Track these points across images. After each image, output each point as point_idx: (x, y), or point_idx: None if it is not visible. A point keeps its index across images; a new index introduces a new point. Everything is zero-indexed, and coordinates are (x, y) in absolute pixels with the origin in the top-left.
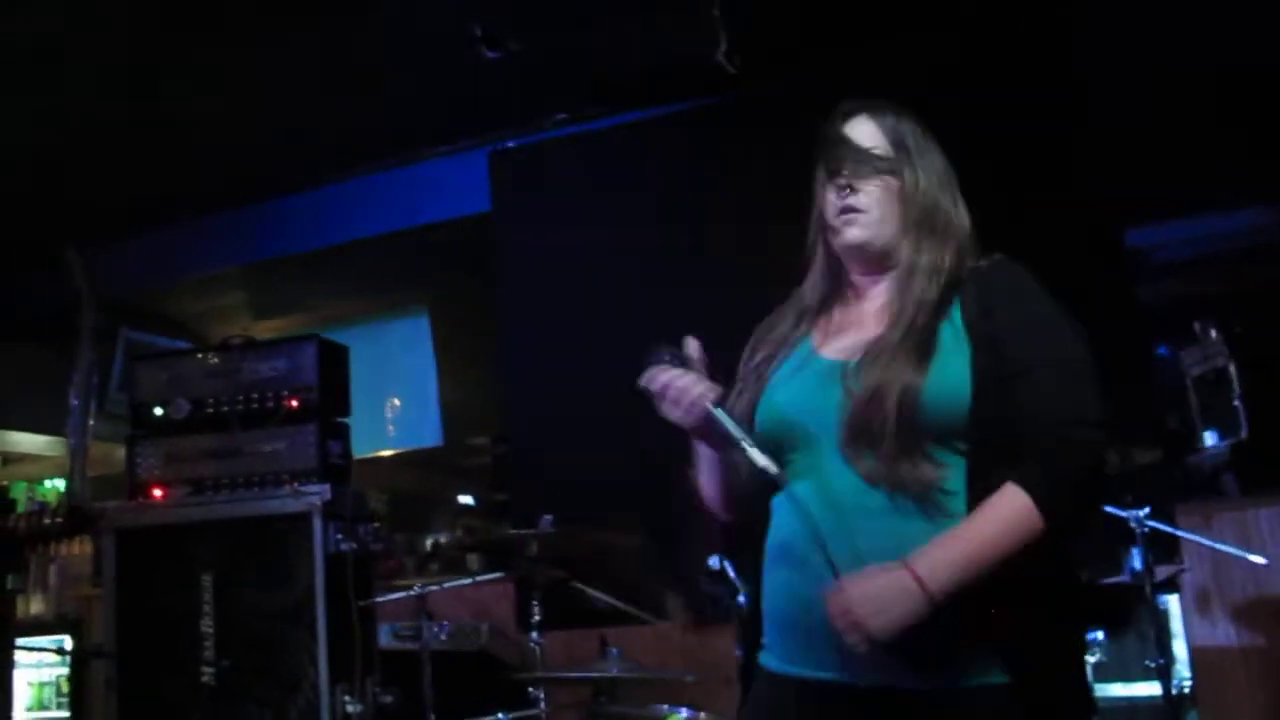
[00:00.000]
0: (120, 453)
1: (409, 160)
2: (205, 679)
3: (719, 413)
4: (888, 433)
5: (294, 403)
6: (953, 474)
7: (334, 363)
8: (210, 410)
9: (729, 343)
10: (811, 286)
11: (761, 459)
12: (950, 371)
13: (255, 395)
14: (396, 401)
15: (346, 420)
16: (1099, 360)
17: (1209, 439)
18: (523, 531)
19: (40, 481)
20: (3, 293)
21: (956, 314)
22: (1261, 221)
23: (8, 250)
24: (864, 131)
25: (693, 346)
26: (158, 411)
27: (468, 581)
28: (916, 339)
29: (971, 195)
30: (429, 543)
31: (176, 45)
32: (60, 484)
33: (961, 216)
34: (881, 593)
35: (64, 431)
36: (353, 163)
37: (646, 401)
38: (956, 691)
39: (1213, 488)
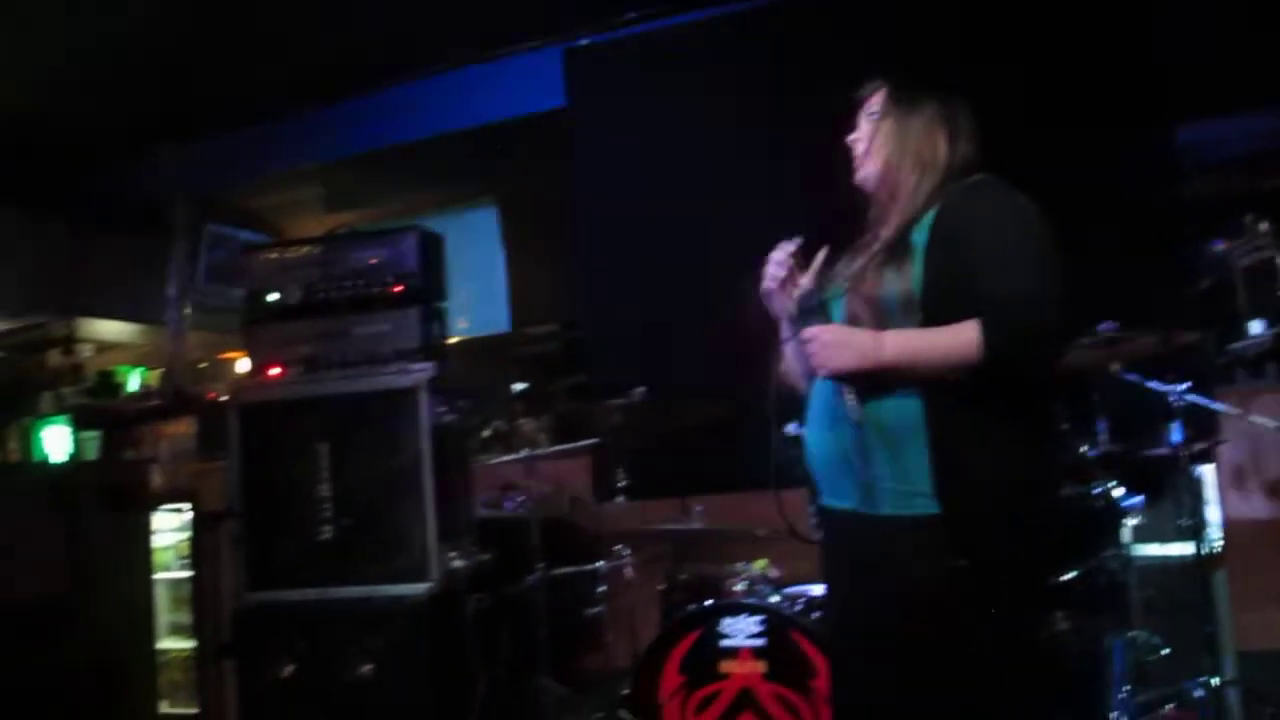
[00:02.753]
0: (203, 339)
1: (483, 58)
2: (324, 537)
3: (797, 297)
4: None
5: (398, 288)
6: None
7: (432, 251)
8: (321, 296)
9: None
10: None
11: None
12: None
13: (361, 282)
14: (465, 291)
15: (444, 304)
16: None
17: (1255, 327)
18: (617, 401)
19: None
20: (93, 183)
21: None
22: None
23: (103, 138)
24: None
25: (819, 257)
26: (272, 298)
27: (569, 446)
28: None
29: (1030, 90)
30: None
31: None
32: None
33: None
34: (849, 337)
35: (145, 320)
36: (427, 61)
37: (725, 287)
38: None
39: (1256, 374)
